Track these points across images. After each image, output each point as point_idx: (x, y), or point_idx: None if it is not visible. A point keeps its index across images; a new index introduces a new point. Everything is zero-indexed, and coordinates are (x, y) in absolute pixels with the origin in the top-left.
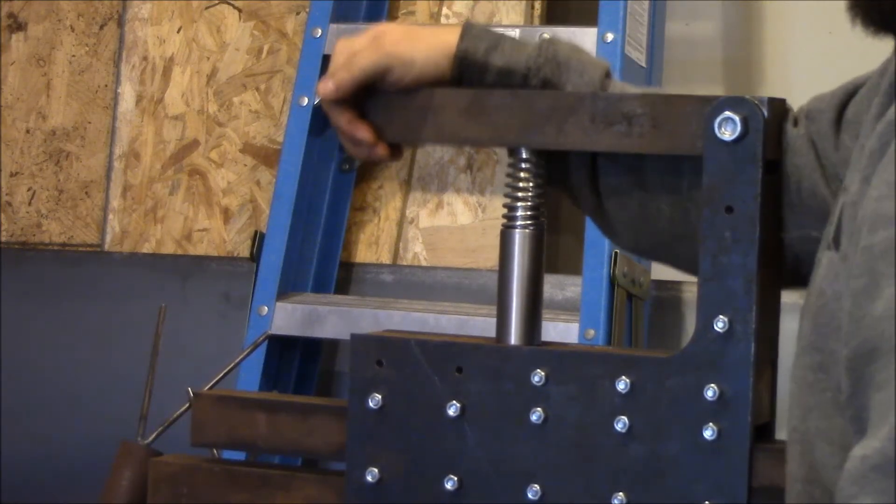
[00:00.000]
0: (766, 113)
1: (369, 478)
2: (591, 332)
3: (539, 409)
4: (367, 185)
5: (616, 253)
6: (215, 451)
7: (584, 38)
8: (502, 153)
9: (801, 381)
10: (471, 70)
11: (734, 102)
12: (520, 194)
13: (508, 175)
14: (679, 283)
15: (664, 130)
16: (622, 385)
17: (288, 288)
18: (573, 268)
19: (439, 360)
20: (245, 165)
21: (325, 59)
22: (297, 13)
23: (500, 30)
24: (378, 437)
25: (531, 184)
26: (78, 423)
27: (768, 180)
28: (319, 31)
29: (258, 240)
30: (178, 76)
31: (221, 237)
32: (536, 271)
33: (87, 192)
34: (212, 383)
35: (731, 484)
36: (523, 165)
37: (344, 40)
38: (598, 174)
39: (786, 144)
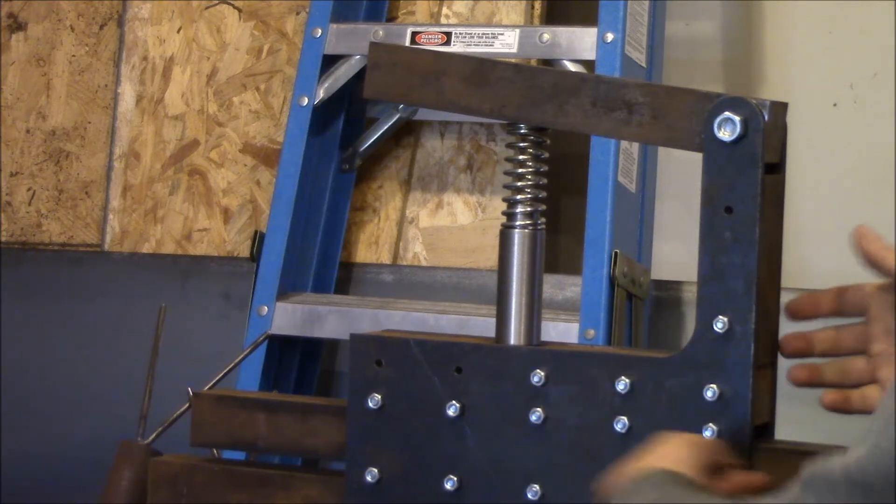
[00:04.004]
0: (766, 115)
1: (369, 478)
2: (591, 332)
3: (539, 409)
4: (367, 185)
5: (616, 253)
6: (215, 451)
7: (584, 37)
8: (502, 153)
9: None
10: None
11: (734, 103)
12: (519, 171)
13: (507, 159)
14: (679, 283)
15: (664, 123)
16: (622, 385)
17: (288, 288)
18: (573, 268)
19: (439, 359)
20: (245, 165)
21: (325, 59)
22: (297, 13)
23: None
24: (378, 437)
25: (530, 165)
26: (78, 423)
27: (768, 181)
28: (319, 31)
29: (258, 240)
30: (178, 76)
31: (221, 237)
32: (536, 271)
33: (87, 192)
34: (212, 383)
35: None
36: (521, 144)
37: None
38: None
39: None
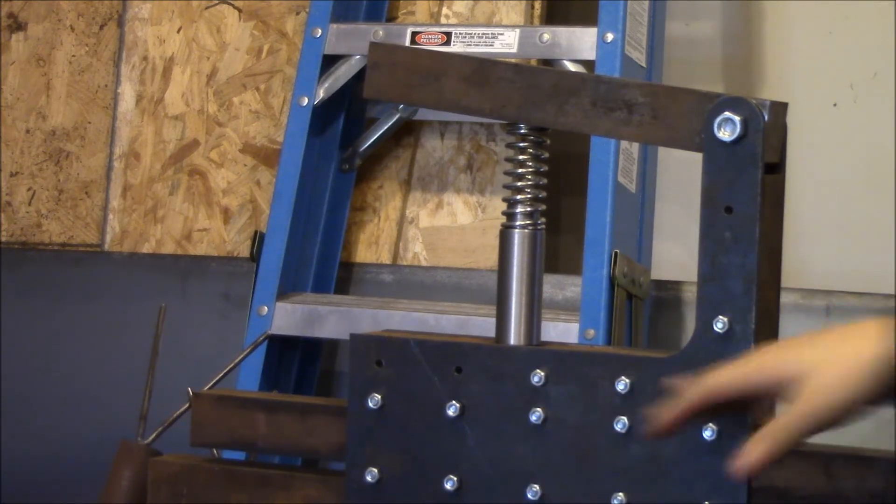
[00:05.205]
0: (766, 115)
1: (369, 478)
2: (591, 332)
3: (539, 409)
4: (367, 185)
5: (616, 253)
6: (215, 451)
7: (584, 37)
8: (502, 153)
9: None
10: None
11: (734, 103)
12: (519, 171)
13: (507, 159)
14: (679, 283)
15: (664, 122)
16: (622, 385)
17: (288, 288)
18: (573, 268)
19: (439, 359)
20: (245, 165)
21: (325, 59)
22: (297, 13)
23: None
24: (378, 437)
25: (530, 165)
26: (78, 423)
27: (768, 181)
28: (319, 31)
29: (258, 240)
30: (178, 76)
31: (221, 237)
32: (536, 271)
33: (87, 192)
34: (212, 383)
35: (731, 484)
36: (521, 144)
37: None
38: None
39: None
